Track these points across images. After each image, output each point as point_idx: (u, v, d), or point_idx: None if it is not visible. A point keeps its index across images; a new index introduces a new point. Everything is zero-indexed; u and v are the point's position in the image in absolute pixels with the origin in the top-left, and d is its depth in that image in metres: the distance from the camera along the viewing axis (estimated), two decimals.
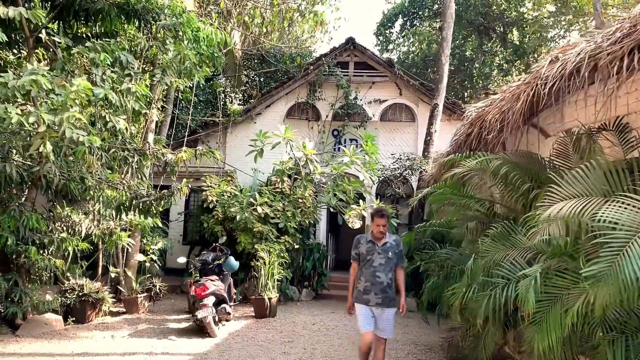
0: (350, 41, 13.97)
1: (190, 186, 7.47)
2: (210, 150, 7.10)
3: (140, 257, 9.92)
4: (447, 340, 6.94)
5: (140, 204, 7.49)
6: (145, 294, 9.51)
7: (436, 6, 21.91)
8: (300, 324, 8.86)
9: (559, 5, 20.20)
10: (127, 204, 7.59)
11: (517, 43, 21.40)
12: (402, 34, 23.92)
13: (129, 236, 8.97)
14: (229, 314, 8.10)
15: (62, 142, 6.06)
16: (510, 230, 4.46)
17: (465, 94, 21.54)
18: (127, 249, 9.46)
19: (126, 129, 6.22)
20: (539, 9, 21.54)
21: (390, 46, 24.01)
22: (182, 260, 8.92)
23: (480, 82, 21.47)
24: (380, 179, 12.26)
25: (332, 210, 10.65)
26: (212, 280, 7.97)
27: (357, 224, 10.73)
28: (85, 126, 5.71)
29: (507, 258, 4.21)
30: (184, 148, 7.08)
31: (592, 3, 15.42)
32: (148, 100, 9.82)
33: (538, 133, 5.27)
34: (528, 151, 4.82)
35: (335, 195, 10.48)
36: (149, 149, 6.78)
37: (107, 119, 5.69)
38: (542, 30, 20.81)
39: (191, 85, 12.40)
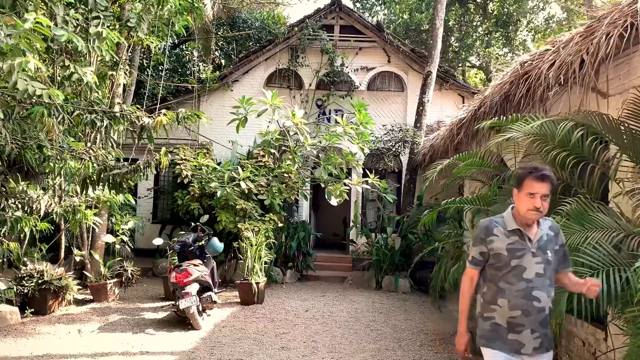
0: (336, 2, 12.77)
1: (170, 156, 6.39)
2: (195, 113, 6.01)
3: (108, 238, 8.78)
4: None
5: (110, 177, 6.35)
6: (115, 280, 8.41)
7: None
8: (292, 311, 7.98)
9: None
10: (95, 177, 6.45)
11: (497, 14, 20.70)
12: (380, 2, 22.86)
13: (95, 214, 7.86)
14: (215, 302, 7.11)
15: (14, 100, 4.94)
16: (586, 206, 3.64)
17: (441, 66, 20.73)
18: (94, 229, 8.33)
19: (95, 84, 5.10)
20: None
21: (367, 14, 22.91)
22: (158, 241, 7.85)
23: (463, 53, 20.72)
24: (372, 151, 11.36)
25: (322, 185, 9.71)
26: (195, 265, 6.96)
27: (334, 201, 9.87)
28: (44, 79, 4.58)
29: (588, 241, 3.40)
30: (164, 111, 5.97)
31: None
32: (114, 60, 8.62)
33: (602, 94, 4.43)
34: (598, 112, 3.98)
35: (324, 169, 9.56)
36: (121, 111, 5.65)
37: (72, 70, 4.57)
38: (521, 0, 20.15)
39: (163, 46, 11.17)
